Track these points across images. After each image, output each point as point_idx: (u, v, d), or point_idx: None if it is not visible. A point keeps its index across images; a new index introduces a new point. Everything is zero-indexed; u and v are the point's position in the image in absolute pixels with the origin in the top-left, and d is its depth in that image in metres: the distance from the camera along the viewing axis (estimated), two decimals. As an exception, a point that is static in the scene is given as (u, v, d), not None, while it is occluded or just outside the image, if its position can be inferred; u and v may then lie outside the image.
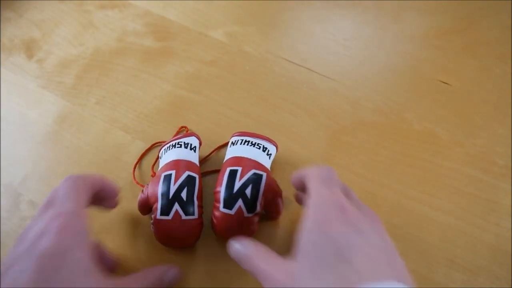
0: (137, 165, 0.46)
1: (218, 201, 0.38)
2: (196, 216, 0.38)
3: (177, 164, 0.40)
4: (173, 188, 0.38)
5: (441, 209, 0.41)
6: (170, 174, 0.39)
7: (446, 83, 0.49)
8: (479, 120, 0.46)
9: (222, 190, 0.38)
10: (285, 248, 0.40)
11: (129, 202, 0.44)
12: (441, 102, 0.48)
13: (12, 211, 0.45)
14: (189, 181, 0.39)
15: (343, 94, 0.50)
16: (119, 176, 0.46)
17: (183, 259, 0.40)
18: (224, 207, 0.37)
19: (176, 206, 0.37)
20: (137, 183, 0.44)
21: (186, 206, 0.38)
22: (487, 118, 0.46)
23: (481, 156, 0.43)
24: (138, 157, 0.47)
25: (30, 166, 0.48)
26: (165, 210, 0.37)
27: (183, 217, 0.37)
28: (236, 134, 0.43)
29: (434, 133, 0.45)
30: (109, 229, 0.43)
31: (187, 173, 0.39)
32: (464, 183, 0.42)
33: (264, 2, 0.60)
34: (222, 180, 0.39)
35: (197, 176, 0.40)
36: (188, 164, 0.41)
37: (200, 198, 0.39)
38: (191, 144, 0.43)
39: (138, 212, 0.42)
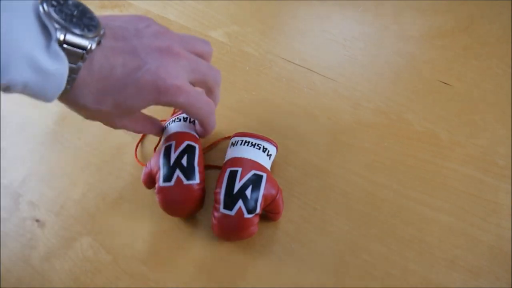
0: (140, 155, 0.46)
1: (218, 202, 0.38)
2: (197, 181, 0.39)
3: (176, 136, 0.41)
4: (173, 156, 0.39)
5: (441, 210, 0.41)
6: (170, 145, 0.40)
7: (446, 83, 0.49)
8: (480, 120, 0.46)
9: (222, 191, 0.38)
10: (286, 249, 0.40)
11: (130, 203, 0.44)
12: (441, 103, 0.48)
13: (12, 212, 0.45)
14: (189, 149, 0.40)
15: (343, 94, 0.50)
16: (119, 176, 0.46)
17: (184, 259, 0.40)
18: (224, 208, 0.37)
19: (178, 172, 0.38)
20: (138, 161, 0.46)
21: (187, 171, 0.39)
22: (488, 118, 0.46)
23: (481, 157, 0.43)
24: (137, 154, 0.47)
25: (30, 166, 0.48)
26: (167, 177, 0.38)
27: (185, 182, 0.38)
28: (236, 135, 0.43)
29: (435, 134, 0.45)
30: (110, 229, 0.43)
31: (186, 142, 0.40)
32: (465, 184, 0.42)
33: (264, 2, 0.60)
34: (222, 181, 0.39)
35: (197, 146, 0.41)
36: (188, 135, 0.42)
37: (201, 164, 0.40)
38: (189, 118, 0.44)
39: (140, 213, 0.42)
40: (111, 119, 0.35)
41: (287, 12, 0.59)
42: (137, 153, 0.47)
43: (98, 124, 0.50)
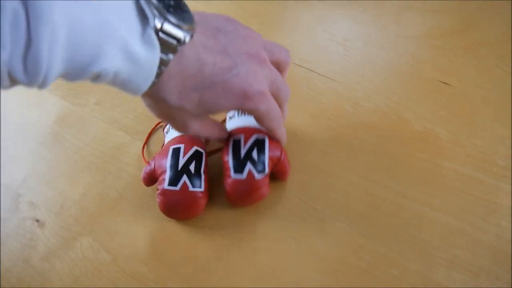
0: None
1: (228, 169, 0.39)
2: (202, 189, 0.40)
3: (184, 139, 0.42)
4: (182, 161, 0.40)
5: (441, 210, 0.41)
6: (179, 148, 0.41)
7: (446, 83, 0.49)
8: (480, 120, 0.46)
9: (229, 158, 0.39)
10: (286, 249, 0.40)
11: (130, 203, 0.44)
12: (441, 103, 0.48)
13: (12, 212, 0.45)
14: (197, 155, 0.41)
15: (343, 94, 0.50)
16: (119, 176, 0.46)
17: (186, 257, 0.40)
18: (235, 172, 0.38)
19: (184, 178, 0.39)
20: (144, 158, 0.46)
21: (193, 178, 0.39)
22: (488, 118, 0.46)
23: (481, 157, 0.43)
24: (138, 158, 0.47)
25: (30, 166, 0.48)
26: (173, 181, 0.39)
27: (190, 188, 0.39)
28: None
29: (434, 134, 0.45)
30: (110, 229, 0.43)
31: (195, 147, 0.41)
32: (465, 184, 0.42)
33: (264, 2, 0.60)
34: (228, 150, 0.40)
35: (204, 152, 0.42)
36: (195, 140, 0.42)
37: (206, 172, 0.41)
38: None
39: (140, 213, 0.42)
40: (186, 121, 0.34)
41: (287, 12, 0.59)
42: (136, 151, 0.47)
43: (98, 124, 0.51)
